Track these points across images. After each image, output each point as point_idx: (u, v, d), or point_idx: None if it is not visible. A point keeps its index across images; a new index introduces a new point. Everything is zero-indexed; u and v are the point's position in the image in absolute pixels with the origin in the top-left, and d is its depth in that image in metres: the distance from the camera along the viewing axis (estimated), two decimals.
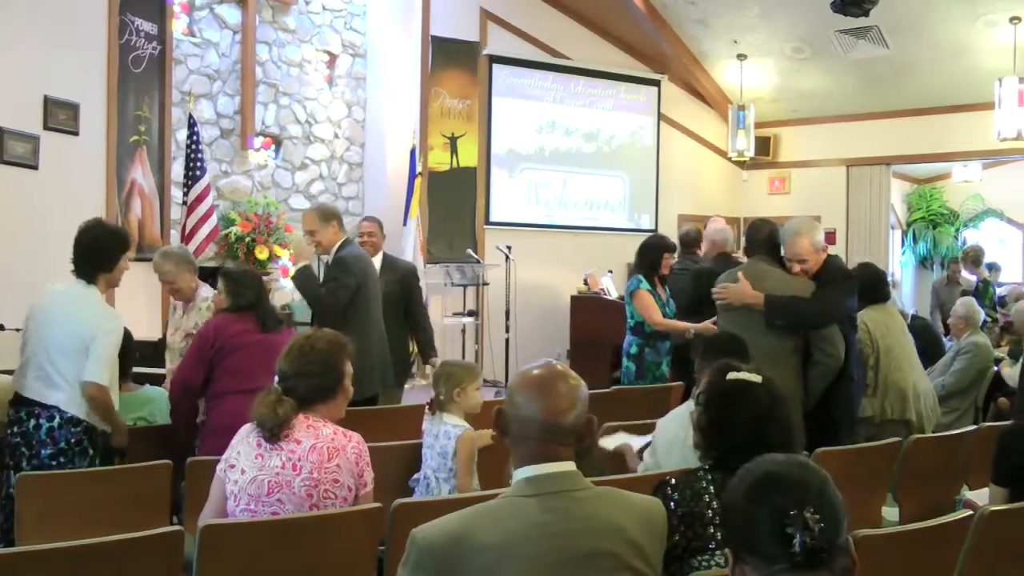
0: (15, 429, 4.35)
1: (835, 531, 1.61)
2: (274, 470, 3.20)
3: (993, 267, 11.95)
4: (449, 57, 11.12)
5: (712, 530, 2.66)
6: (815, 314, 4.90)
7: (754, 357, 3.84)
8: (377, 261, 6.73)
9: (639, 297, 6.61)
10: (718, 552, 2.65)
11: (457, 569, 2.10)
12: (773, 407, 2.78)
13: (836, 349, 4.84)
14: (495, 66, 11.72)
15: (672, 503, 2.68)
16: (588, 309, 10.78)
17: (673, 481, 2.75)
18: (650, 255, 6.77)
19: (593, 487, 2.33)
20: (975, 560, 3.25)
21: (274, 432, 3.21)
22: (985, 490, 4.12)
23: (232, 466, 3.27)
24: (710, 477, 2.74)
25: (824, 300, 4.89)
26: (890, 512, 4.71)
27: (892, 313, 5.94)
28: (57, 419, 4.32)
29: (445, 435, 4.22)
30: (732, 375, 2.86)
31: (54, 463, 4.29)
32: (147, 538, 2.91)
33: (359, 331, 5.72)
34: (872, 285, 5.81)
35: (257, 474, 3.20)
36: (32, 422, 4.33)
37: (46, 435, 4.31)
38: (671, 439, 3.91)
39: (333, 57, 11.03)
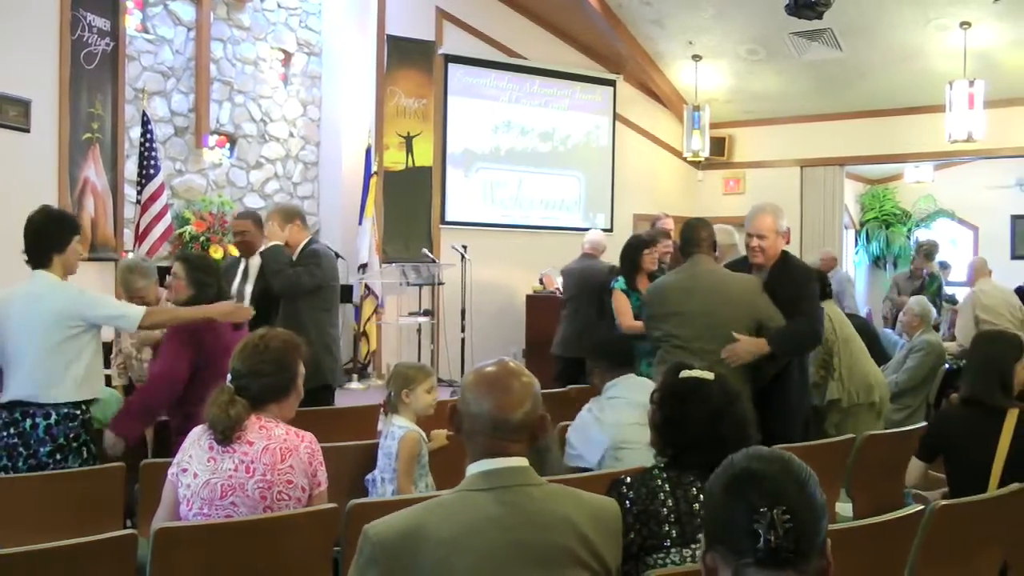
0: (11, 431, 4.30)
1: (806, 532, 1.63)
2: (227, 473, 3.18)
3: (944, 265, 12.24)
4: (404, 56, 11.20)
5: (667, 528, 2.68)
6: (811, 334, 5.11)
7: (701, 357, 3.95)
8: (254, 263, 6.38)
9: (614, 298, 6.71)
10: (673, 550, 2.67)
11: (409, 564, 2.15)
12: (727, 404, 2.84)
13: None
14: (451, 65, 11.82)
15: (627, 501, 2.70)
16: (543, 309, 10.85)
17: (628, 480, 2.77)
18: (629, 255, 6.86)
19: (546, 483, 2.38)
20: (926, 553, 3.40)
21: (226, 434, 3.19)
22: (936, 492, 4.34)
23: (184, 470, 3.24)
24: (665, 475, 2.77)
25: (811, 317, 5.07)
26: (843, 508, 4.82)
27: (835, 307, 6.21)
28: (54, 416, 4.30)
29: (391, 436, 4.25)
30: (685, 373, 2.93)
31: (51, 461, 4.29)
32: (100, 542, 2.88)
33: (334, 323, 6.28)
34: (826, 281, 6.13)
35: (210, 477, 3.18)
36: (28, 422, 4.30)
37: (44, 433, 4.29)
38: (577, 424, 4.19)
39: (288, 55, 11.08)
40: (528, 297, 11.39)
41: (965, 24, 10.84)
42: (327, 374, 6.10)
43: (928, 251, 11.70)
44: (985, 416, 4.15)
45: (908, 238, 16.25)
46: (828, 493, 4.34)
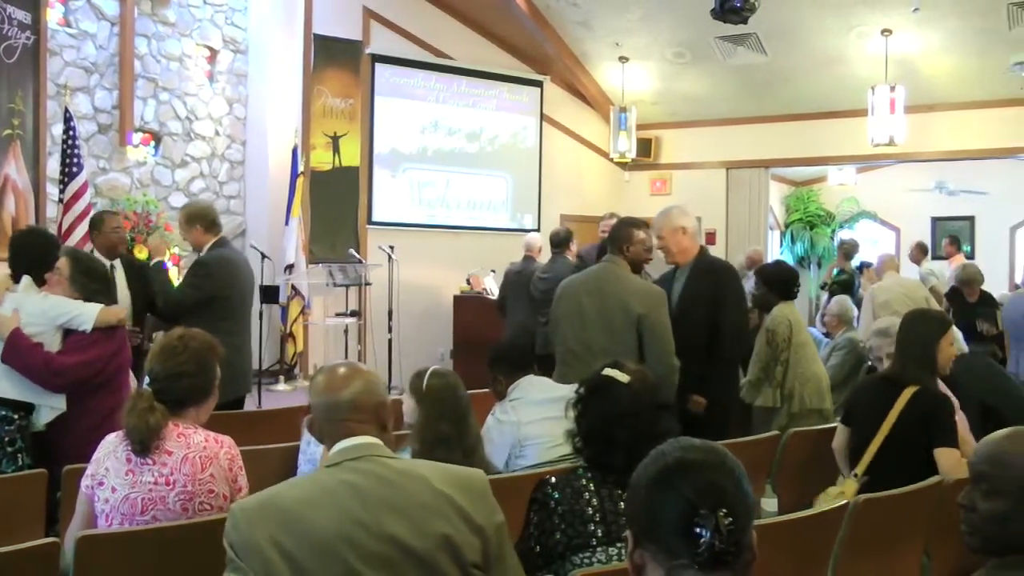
0: None
1: (743, 530, 1.61)
2: (147, 486, 3.13)
3: (865, 265, 12.72)
4: (331, 56, 11.36)
5: (593, 527, 2.77)
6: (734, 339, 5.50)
7: (599, 357, 4.11)
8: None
9: None
10: (599, 549, 2.76)
11: (266, 526, 2.26)
12: (641, 402, 2.96)
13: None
14: (378, 65, 12.00)
15: (552, 501, 2.80)
16: (471, 309, 11.19)
17: (553, 480, 2.86)
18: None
19: (403, 458, 2.60)
20: (850, 546, 3.61)
21: (144, 444, 3.14)
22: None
23: (101, 483, 3.19)
24: (590, 475, 2.86)
25: (727, 335, 5.43)
26: (769, 503, 4.92)
27: (797, 310, 6.48)
28: None
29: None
30: (605, 372, 3.05)
31: None
32: (21, 551, 2.83)
33: (234, 331, 6.05)
34: (789, 282, 6.37)
35: (129, 492, 3.13)
36: None
37: None
38: (483, 431, 4.35)
39: (214, 52, 11.10)
40: (455, 298, 11.65)
41: (886, 31, 11.42)
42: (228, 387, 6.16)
43: (847, 251, 12.25)
44: (887, 390, 4.35)
45: (832, 239, 16.88)
46: (754, 489, 4.70)
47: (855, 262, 12.49)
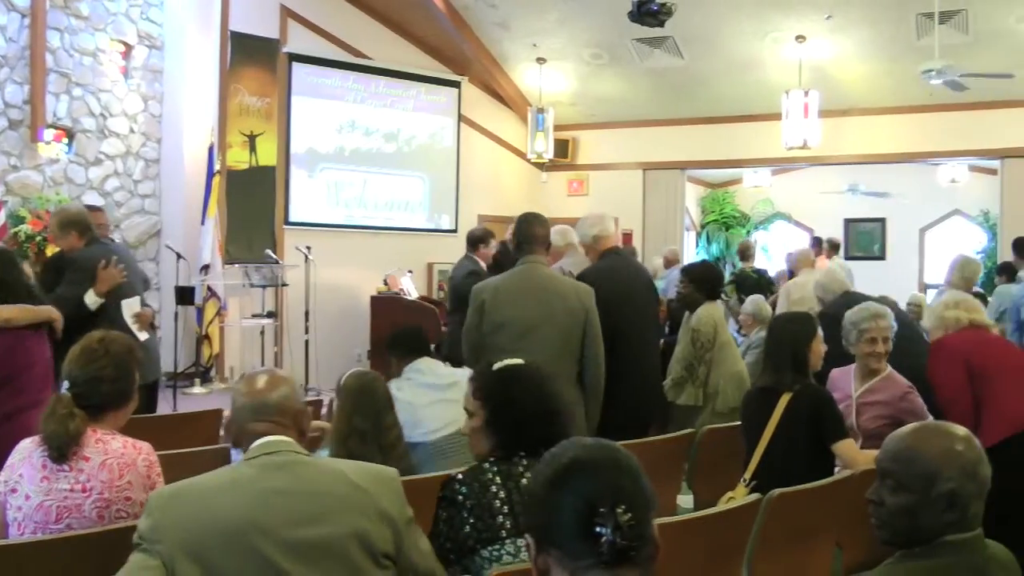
0: None
1: (643, 524, 1.65)
2: (62, 494, 3.07)
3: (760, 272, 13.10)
4: (248, 54, 11.39)
5: (501, 519, 2.86)
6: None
7: (549, 361, 4.32)
8: None
9: None
10: (508, 541, 2.84)
11: (176, 512, 2.39)
12: (543, 381, 3.13)
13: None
14: (295, 64, 12.06)
15: (460, 496, 2.89)
16: (388, 310, 11.24)
17: (460, 476, 2.95)
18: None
19: (319, 457, 2.80)
20: (764, 540, 3.72)
21: (62, 451, 3.08)
22: None
23: (14, 490, 3.12)
24: (496, 468, 2.96)
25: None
26: (684, 500, 5.16)
27: (720, 310, 6.65)
28: None
29: None
30: (497, 364, 3.15)
31: None
32: None
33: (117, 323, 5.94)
34: (715, 283, 6.65)
35: (43, 499, 3.07)
36: None
37: None
38: None
39: (129, 48, 11.01)
40: (373, 298, 11.79)
41: (800, 38, 11.93)
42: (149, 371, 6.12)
43: (743, 252, 12.74)
44: (767, 398, 4.48)
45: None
46: (669, 486, 5.01)
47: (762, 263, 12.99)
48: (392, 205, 13.26)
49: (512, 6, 12.28)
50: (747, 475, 4.40)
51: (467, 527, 2.87)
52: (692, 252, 17.33)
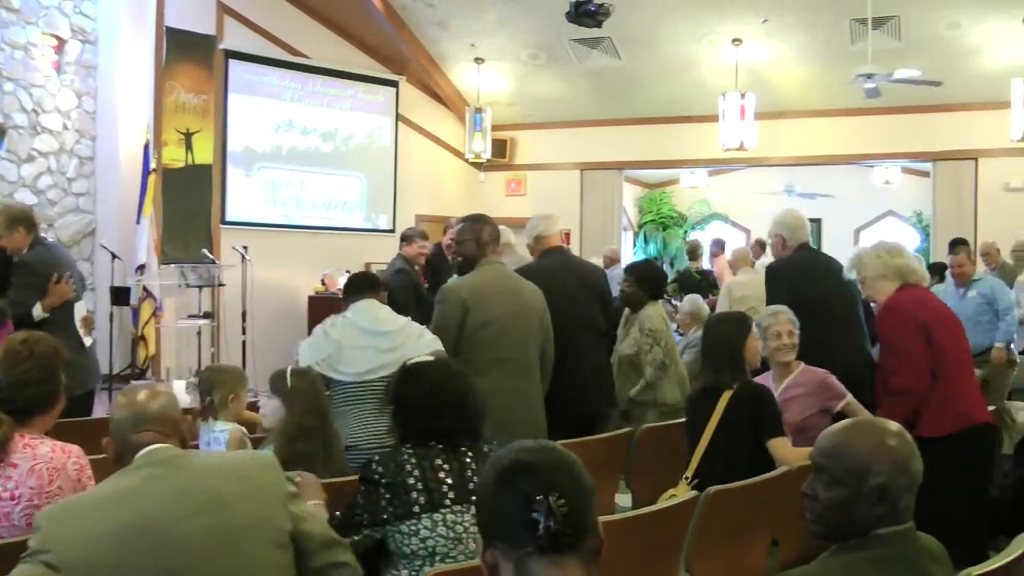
0: None
1: (581, 515, 1.77)
2: None
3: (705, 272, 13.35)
4: (184, 50, 11.32)
5: (415, 496, 3.15)
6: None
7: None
8: None
9: None
10: (424, 516, 3.13)
11: (62, 525, 2.41)
12: (446, 379, 3.42)
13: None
14: (232, 61, 12.04)
15: (377, 475, 3.19)
16: (326, 309, 10.84)
17: (377, 457, 3.29)
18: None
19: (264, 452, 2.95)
20: (701, 537, 3.82)
21: None
22: None
23: None
24: (412, 451, 3.26)
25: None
26: (623, 499, 5.23)
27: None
28: None
29: (216, 441, 4.46)
30: (409, 361, 3.57)
31: None
32: None
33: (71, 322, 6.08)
34: (660, 282, 6.84)
35: None
36: None
37: None
38: (311, 337, 4.75)
39: (62, 42, 10.76)
40: (310, 298, 11.88)
41: (736, 41, 12.23)
42: (91, 376, 6.27)
43: (692, 251, 12.99)
44: (708, 397, 4.58)
45: (684, 240, 17.69)
46: (608, 485, 5.08)
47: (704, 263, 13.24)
48: (329, 205, 13.31)
49: (450, 6, 12.40)
50: (688, 473, 4.49)
51: (383, 502, 3.17)
52: (629, 252, 17.55)
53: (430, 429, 3.32)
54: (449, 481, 3.23)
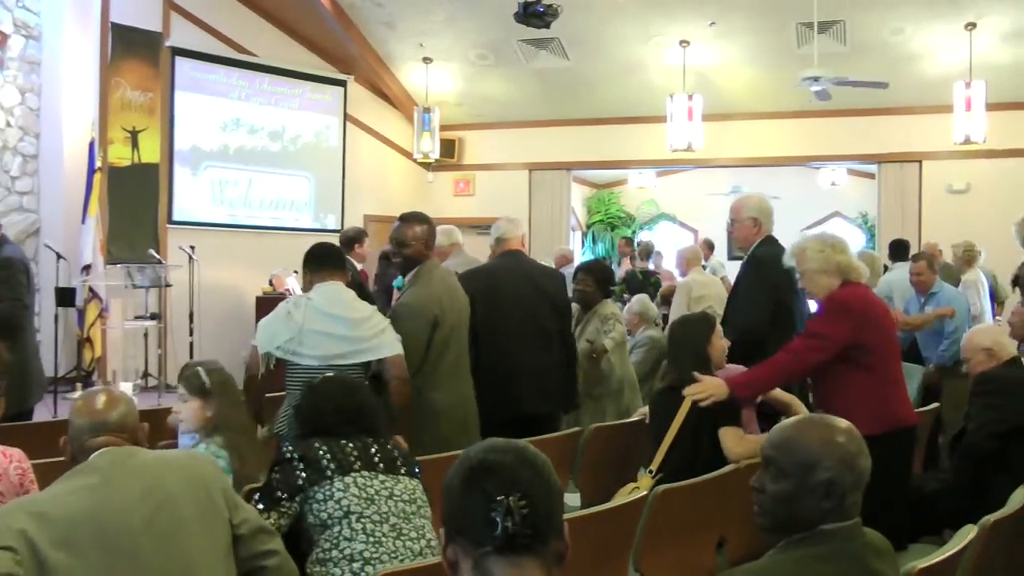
0: None
1: (542, 517, 1.76)
2: None
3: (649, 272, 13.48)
4: (130, 46, 11.30)
5: (326, 463, 3.44)
6: None
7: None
8: None
9: None
10: (336, 479, 3.42)
11: (14, 518, 2.47)
12: (347, 395, 3.73)
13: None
14: (178, 59, 12.01)
15: (288, 453, 3.50)
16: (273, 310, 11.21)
17: (289, 446, 3.63)
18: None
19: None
20: (650, 535, 3.84)
21: None
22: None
23: None
24: (321, 440, 3.56)
25: None
26: (572, 498, 5.14)
27: None
28: None
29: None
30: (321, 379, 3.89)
31: None
32: None
33: (20, 339, 5.69)
34: (612, 281, 7.04)
35: None
36: None
37: None
38: (271, 315, 4.81)
39: (4, 37, 10.78)
40: (258, 299, 11.82)
41: (684, 42, 12.44)
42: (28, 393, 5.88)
43: (645, 251, 13.11)
44: (673, 397, 4.61)
45: (633, 240, 17.87)
46: None
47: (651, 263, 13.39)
48: (277, 204, 13.33)
49: (398, 6, 12.47)
50: (653, 466, 4.53)
51: (298, 471, 3.45)
52: (579, 252, 17.67)
53: (336, 429, 3.64)
54: (355, 454, 3.54)
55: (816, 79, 10.79)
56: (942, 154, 13.21)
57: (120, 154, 11.33)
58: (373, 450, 3.58)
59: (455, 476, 1.84)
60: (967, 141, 12.01)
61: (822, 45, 11.36)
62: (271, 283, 11.93)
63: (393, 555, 3.37)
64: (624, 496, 4.30)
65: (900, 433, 4.45)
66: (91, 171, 10.60)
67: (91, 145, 10.68)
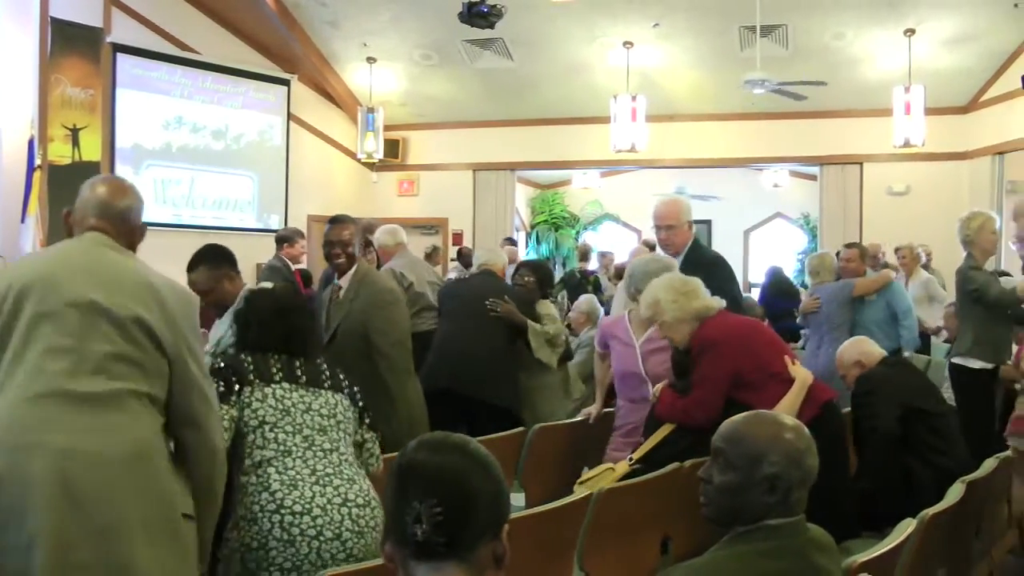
0: None
1: (460, 523, 1.76)
2: None
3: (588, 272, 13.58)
4: (70, 42, 11.11)
5: (249, 369, 3.63)
6: None
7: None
8: None
9: None
10: (257, 383, 3.60)
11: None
12: (276, 315, 3.82)
13: None
14: (120, 55, 11.90)
15: (214, 362, 3.64)
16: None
17: (220, 358, 3.83)
18: None
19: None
20: (594, 533, 3.91)
21: None
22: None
23: None
24: (243, 356, 3.74)
25: None
26: (517, 498, 5.25)
27: None
28: None
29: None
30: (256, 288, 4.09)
31: None
32: None
33: None
34: (552, 280, 7.18)
35: None
36: None
37: None
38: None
39: None
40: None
41: (628, 43, 12.58)
42: None
43: (583, 253, 13.24)
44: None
45: (576, 240, 18.06)
46: None
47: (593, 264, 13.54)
48: (221, 204, 13.28)
49: (342, 5, 12.50)
50: (636, 455, 4.62)
51: (227, 373, 3.59)
52: (523, 252, 17.77)
53: (265, 344, 3.78)
54: (278, 367, 3.70)
55: (761, 82, 10.98)
56: (882, 156, 13.49)
57: (60, 152, 11.13)
58: (297, 364, 3.74)
59: (392, 471, 1.86)
60: (907, 144, 12.28)
61: (764, 48, 11.60)
62: None
63: (304, 463, 3.50)
64: (595, 473, 4.56)
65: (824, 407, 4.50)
66: (30, 169, 10.41)
67: (30, 143, 10.49)
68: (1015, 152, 12.57)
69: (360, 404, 3.87)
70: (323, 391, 3.71)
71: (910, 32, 11.75)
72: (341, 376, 3.86)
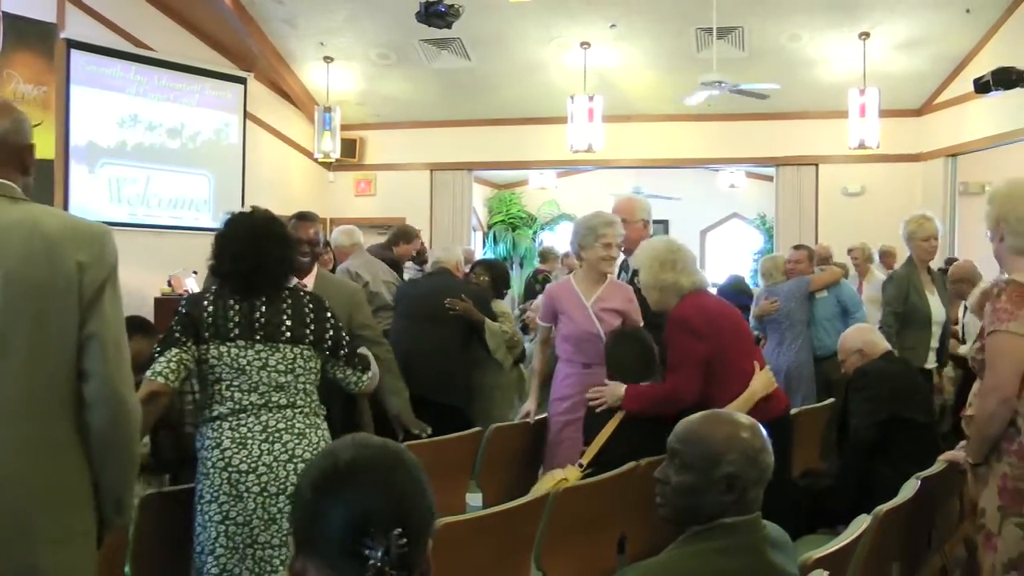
0: None
1: (419, 551, 1.60)
2: None
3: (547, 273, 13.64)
4: (22, 37, 11.05)
5: (206, 327, 3.60)
6: None
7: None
8: None
9: None
10: (212, 343, 3.60)
11: None
12: (251, 242, 3.71)
13: None
14: (73, 52, 11.79)
15: (183, 308, 3.69)
16: (173, 312, 10.96)
17: (186, 296, 3.96)
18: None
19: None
20: (551, 533, 3.91)
21: None
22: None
23: None
24: (212, 297, 3.68)
25: None
26: (474, 499, 5.31)
27: None
28: None
29: None
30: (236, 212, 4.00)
31: None
32: None
33: None
34: (507, 283, 7.27)
35: None
36: None
37: None
38: None
39: None
40: (156, 300, 11.61)
41: (585, 44, 12.69)
42: None
43: (544, 255, 13.30)
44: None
45: (533, 240, 18.20)
46: (458, 484, 5.24)
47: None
48: (177, 203, 13.21)
49: (299, 3, 12.52)
50: (584, 460, 4.64)
51: (183, 324, 3.63)
52: (480, 252, 17.80)
53: (234, 280, 3.73)
54: (236, 319, 3.66)
55: (720, 83, 11.09)
56: (838, 158, 13.69)
57: None
58: (258, 314, 3.69)
59: (309, 476, 1.65)
60: (862, 146, 12.51)
61: (721, 50, 11.75)
62: (170, 284, 11.77)
63: (257, 419, 3.62)
64: (548, 484, 4.43)
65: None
66: None
67: None
68: (967, 154, 12.85)
69: (330, 339, 3.83)
70: (281, 345, 3.69)
71: (865, 35, 11.94)
72: (309, 311, 3.81)
